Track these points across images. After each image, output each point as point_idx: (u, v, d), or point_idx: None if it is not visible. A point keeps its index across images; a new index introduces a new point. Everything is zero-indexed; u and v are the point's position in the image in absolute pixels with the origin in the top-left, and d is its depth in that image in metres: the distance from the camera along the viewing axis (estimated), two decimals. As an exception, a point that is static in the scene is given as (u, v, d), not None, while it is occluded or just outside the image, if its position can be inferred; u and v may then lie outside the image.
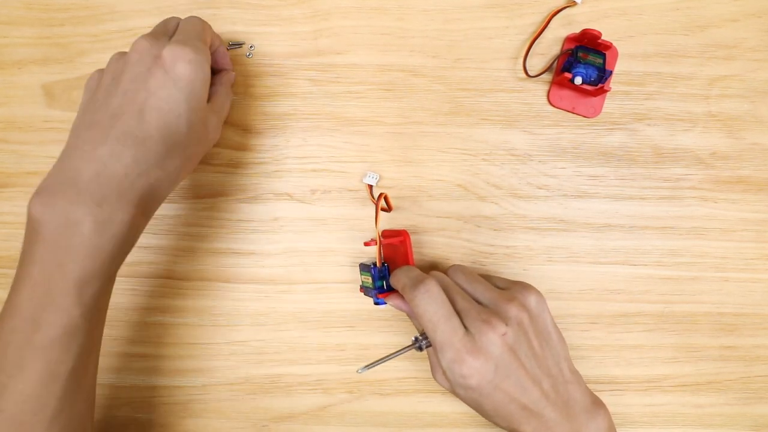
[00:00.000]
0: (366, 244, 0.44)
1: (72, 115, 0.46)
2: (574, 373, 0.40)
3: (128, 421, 0.46)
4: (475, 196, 0.46)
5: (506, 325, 0.37)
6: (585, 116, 0.46)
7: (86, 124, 0.35)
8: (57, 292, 0.32)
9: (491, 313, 0.37)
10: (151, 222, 0.46)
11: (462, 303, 0.38)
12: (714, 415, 0.46)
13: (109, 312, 0.46)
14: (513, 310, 0.37)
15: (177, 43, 0.35)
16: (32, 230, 0.33)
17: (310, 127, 0.46)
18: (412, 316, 0.41)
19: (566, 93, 0.46)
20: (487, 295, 0.39)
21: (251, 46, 0.47)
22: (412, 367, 0.46)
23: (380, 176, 0.46)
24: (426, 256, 0.46)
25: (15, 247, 0.46)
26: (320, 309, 0.46)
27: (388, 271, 0.42)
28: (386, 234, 0.45)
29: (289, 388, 0.46)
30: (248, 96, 0.47)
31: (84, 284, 0.32)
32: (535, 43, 0.46)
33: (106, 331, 0.46)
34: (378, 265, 0.42)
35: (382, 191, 0.43)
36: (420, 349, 0.39)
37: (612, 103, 0.47)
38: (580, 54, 0.44)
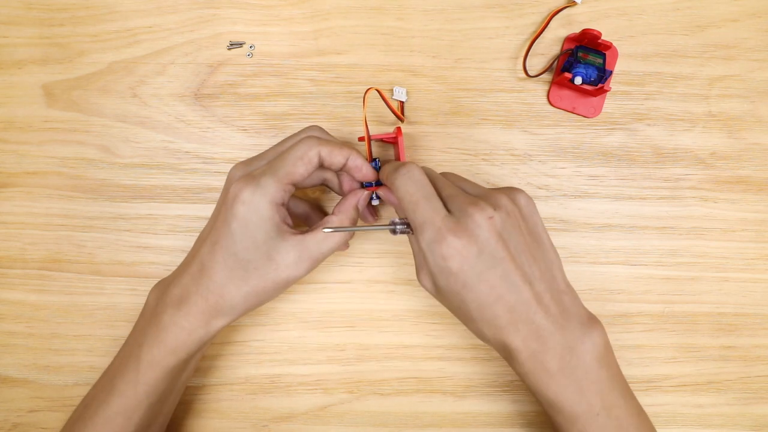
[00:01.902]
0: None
1: (72, 115, 0.47)
2: (569, 285, 0.37)
3: (128, 421, 0.46)
4: (475, 196, 0.46)
5: (494, 210, 0.34)
6: (585, 116, 0.46)
7: (200, 237, 0.40)
8: (130, 368, 0.38)
9: (478, 198, 0.35)
10: (151, 222, 0.46)
11: (447, 190, 0.36)
12: (714, 415, 0.46)
13: (109, 312, 0.46)
14: (503, 200, 0.35)
15: (243, 179, 0.37)
16: (143, 309, 0.40)
17: (310, 127, 0.46)
18: (396, 205, 0.39)
19: (566, 93, 0.46)
20: (475, 189, 0.37)
21: (251, 46, 0.47)
22: (413, 367, 0.46)
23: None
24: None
25: (15, 247, 0.46)
26: (320, 309, 0.46)
27: (378, 166, 0.41)
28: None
29: (289, 388, 0.46)
30: (248, 96, 0.47)
31: (148, 368, 0.37)
32: (535, 43, 0.46)
33: (107, 331, 0.46)
34: (368, 159, 0.40)
35: (371, 87, 0.41)
36: (394, 232, 0.37)
37: (612, 103, 0.47)
38: (580, 54, 0.44)
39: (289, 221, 0.38)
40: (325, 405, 0.46)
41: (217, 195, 0.46)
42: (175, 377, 0.39)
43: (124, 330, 0.46)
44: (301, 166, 0.37)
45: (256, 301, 0.38)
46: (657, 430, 0.47)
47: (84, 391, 0.42)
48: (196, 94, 0.47)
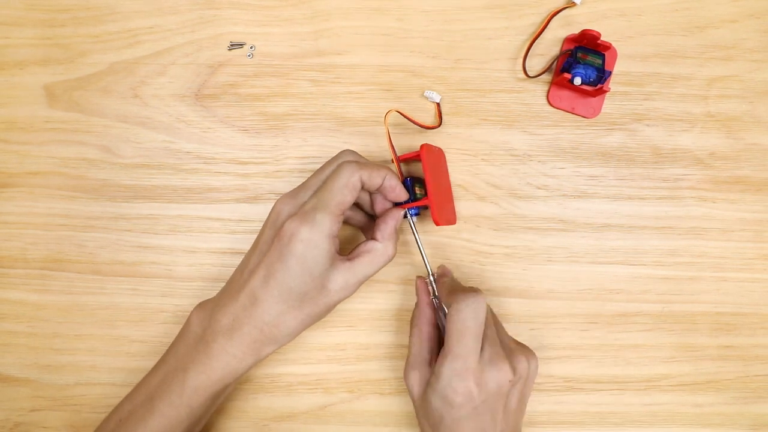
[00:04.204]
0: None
1: (73, 116, 0.47)
2: None
3: (129, 420, 0.46)
4: (475, 196, 0.46)
5: (513, 374, 0.38)
6: (584, 116, 0.47)
7: (239, 267, 0.40)
8: (174, 390, 0.38)
9: (508, 356, 0.39)
10: (151, 222, 0.46)
11: (491, 332, 0.40)
12: (713, 414, 0.47)
13: (109, 312, 0.47)
14: (523, 365, 0.39)
15: (298, 218, 0.37)
16: (186, 329, 0.40)
17: (310, 128, 0.47)
18: (426, 306, 0.41)
19: (565, 93, 0.46)
20: (507, 339, 0.41)
21: (252, 47, 0.47)
22: (412, 366, 0.46)
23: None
24: (427, 256, 0.46)
25: (16, 246, 0.47)
26: (320, 309, 0.47)
27: (411, 184, 0.41)
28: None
29: (289, 388, 0.46)
30: (248, 96, 0.47)
31: (193, 393, 0.38)
32: (535, 43, 0.46)
33: (108, 331, 0.46)
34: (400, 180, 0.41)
35: (390, 109, 0.42)
36: (442, 314, 0.39)
37: (611, 103, 0.47)
38: (579, 54, 0.44)
39: (338, 247, 0.39)
40: (325, 404, 0.46)
41: (217, 195, 0.47)
42: (217, 400, 0.40)
43: (125, 330, 0.46)
44: (347, 194, 0.38)
45: (309, 325, 0.39)
46: (656, 429, 0.47)
47: (85, 390, 0.43)
48: (196, 95, 0.47)
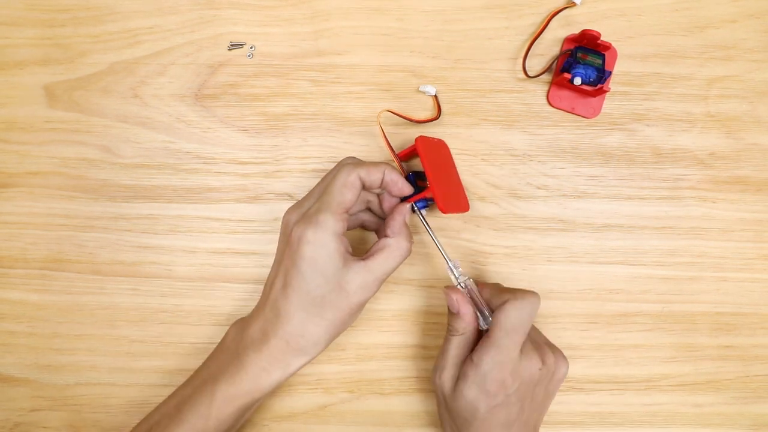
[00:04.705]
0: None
1: (73, 116, 0.47)
2: None
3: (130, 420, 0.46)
4: (475, 196, 0.46)
5: (543, 364, 0.39)
6: (584, 116, 0.47)
7: (266, 281, 0.41)
8: (203, 401, 0.38)
9: (537, 349, 0.40)
10: (151, 222, 0.46)
11: (531, 330, 0.41)
12: (712, 414, 0.47)
13: (109, 312, 0.47)
14: (551, 359, 0.40)
15: (303, 222, 0.38)
16: (221, 344, 0.41)
17: (310, 128, 0.47)
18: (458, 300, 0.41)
19: (565, 93, 0.46)
20: (540, 337, 0.42)
21: (252, 47, 0.47)
22: (413, 366, 0.46)
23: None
24: (427, 256, 0.46)
25: (16, 246, 0.47)
26: (320, 309, 0.47)
27: (414, 178, 0.42)
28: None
29: (289, 388, 0.46)
30: (248, 96, 0.47)
31: (222, 404, 0.38)
32: (535, 43, 0.46)
33: (108, 331, 0.46)
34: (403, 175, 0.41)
35: (383, 110, 0.43)
36: (484, 324, 0.40)
37: (611, 103, 0.47)
38: (579, 55, 0.44)
39: (350, 248, 0.39)
40: (325, 404, 0.46)
41: (217, 195, 0.47)
42: (244, 414, 0.40)
43: (125, 330, 0.46)
44: (347, 192, 0.38)
45: (335, 333, 0.39)
46: (656, 429, 0.47)
47: (85, 390, 0.43)
48: (196, 95, 0.47)
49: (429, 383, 0.46)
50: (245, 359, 0.38)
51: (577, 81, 0.43)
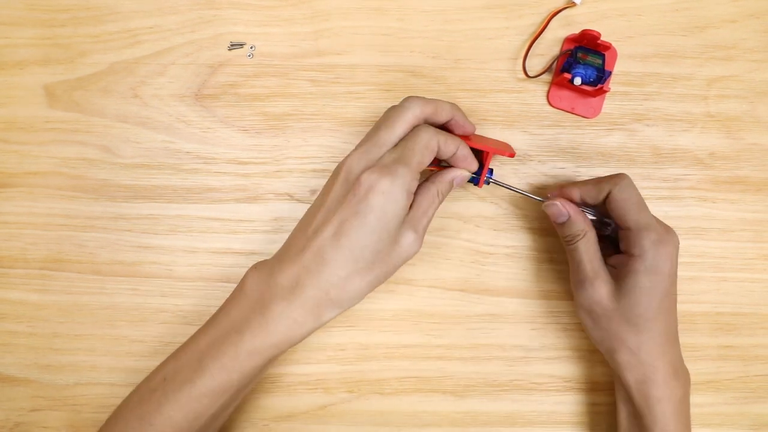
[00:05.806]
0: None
1: (73, 116, 0.47)
2: None
3: (129, 420, 0.46)
4: (475, 196, 0.46)
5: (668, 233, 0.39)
6: (584, 116, 0.47)
7: (300, 226, 0.39)
8: (227, 353, 0.36)
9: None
10: (151, 222, 0.46)
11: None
12: (712, 414, 0.47)
13: (109, 312, 0.47)
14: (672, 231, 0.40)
15: (377, 170, 0.36)
16: (239, 291, 0.38)
17: (310, 128, 0.47)
18: (563, 217, 0.41)
19: (566, 93, 0.46)
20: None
21: (252, 47, 0.47)
22: (413, 366, 0.46)
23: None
24: (427, 256, 0.46)
25: (16, 247, 0.47)
26: (320, 309, 0.47)
27: (481, 165, 0.41)
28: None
29: (289, 388, 0.46)
30: (248, 96, 0.47)
31: (247, 357, 0.36)
32: (535, 43, 0.46)
33: (108, 331, 0.46)
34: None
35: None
36: (604, 229, 0.41)
37: (611, 103, 0.47)
38: (579, 54, 0.44)
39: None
40: (325, 404, 0.46)
41: (217, 195, 0.47)
42: (268, 367, 0.39)
43: (125, 330, 0.46)
44: (427, 155, 0.37)
45: (374, 287, 0.38)
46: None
47: (85, 390, 0.43)
48: (196, 95, 0.47)
49: (428, 383, 0.46)
50: (274, 309, 0.36)
51: (577, 81, 0.43)
